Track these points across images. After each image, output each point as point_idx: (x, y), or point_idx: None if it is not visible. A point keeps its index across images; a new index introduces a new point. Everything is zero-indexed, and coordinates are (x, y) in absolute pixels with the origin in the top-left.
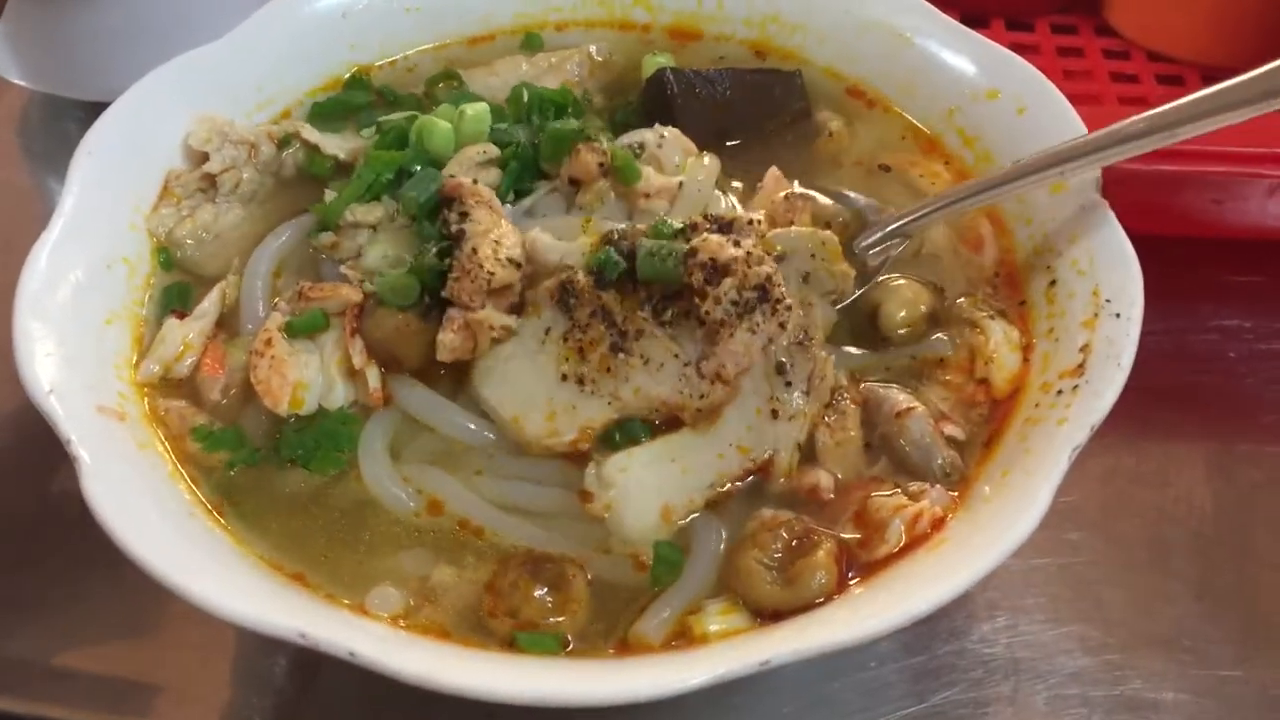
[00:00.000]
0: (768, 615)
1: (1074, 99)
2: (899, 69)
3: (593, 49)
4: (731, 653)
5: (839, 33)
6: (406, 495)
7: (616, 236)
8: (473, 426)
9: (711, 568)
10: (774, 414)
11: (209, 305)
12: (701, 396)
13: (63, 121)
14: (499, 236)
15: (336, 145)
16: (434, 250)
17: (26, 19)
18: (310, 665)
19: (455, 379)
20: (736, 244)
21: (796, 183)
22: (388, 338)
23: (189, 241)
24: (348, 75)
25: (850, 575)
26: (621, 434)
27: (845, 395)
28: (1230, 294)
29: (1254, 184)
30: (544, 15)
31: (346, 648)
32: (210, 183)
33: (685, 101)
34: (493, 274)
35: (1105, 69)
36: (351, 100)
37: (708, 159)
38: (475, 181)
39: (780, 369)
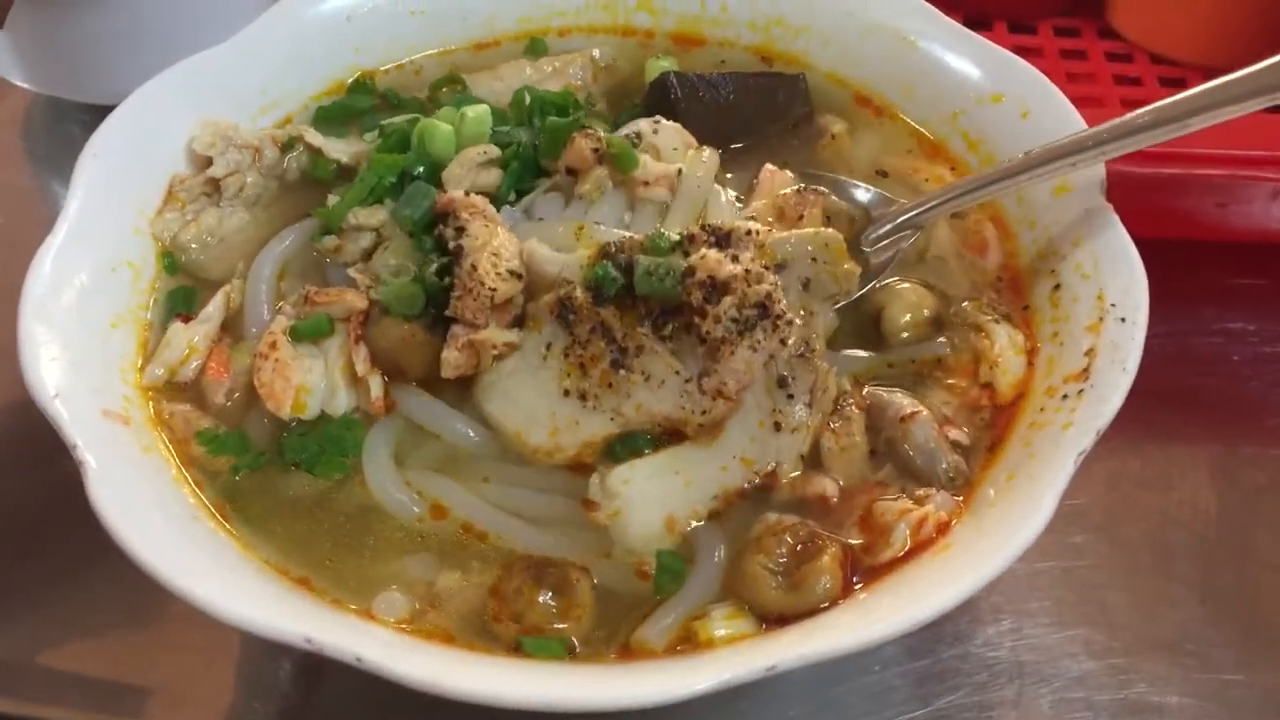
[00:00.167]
0: (773, 620)
1: (1077, 101)
2: (902, 72)
3: (596, 53)
4: (737, 658)
5: (842, 36)
6: (410, 501)
7: (614, 250)
8: (475, 435)
9: (715, 576)
10: (776, 426)
11: (213, 309)
12: (704, 412)
13: (67, 124)
14: (497, 248)
15: (340, 149)
16: (434, 267)
17: (30, 22)
18: (314, 670)
19: (459, 388)
20: (735, 259)
21: (789, 173)
22: (393, 347)
23: (193, 245)
24: (352, 79)
25: (855, 580)
26: (623, 447)
27: (850, 401)
28: (1234, 297)
29: (1258, 187)
30: (547, 20)
31: (353, 653)
32: (214, 187)
33: (688, 105)
34: (494, 290)
35: (1108, 71)
36: (355, 104)
37: (706, 153)
38: (470, 190)
39: (782, 382)
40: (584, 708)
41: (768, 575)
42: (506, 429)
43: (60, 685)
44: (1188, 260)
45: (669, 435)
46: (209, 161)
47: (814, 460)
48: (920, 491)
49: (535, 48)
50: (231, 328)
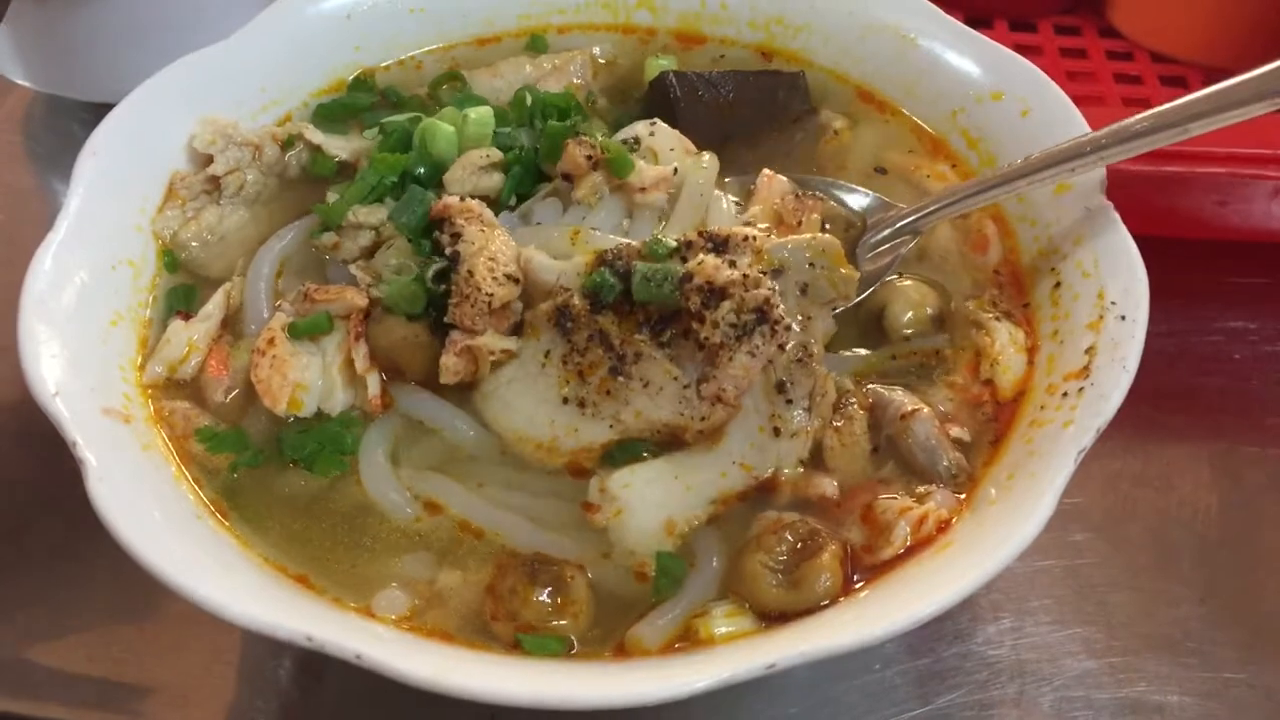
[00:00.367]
0: (773, 618)
1: (1077, 100)
2: (903, 70)
3: (596, 51)
4: (738, 655)
5: (843, 34)
6: (405, 501)
7: (611, 257)
8: (474, 433)
9: (712, 580)
10: (776, 432)
11: (213, 307)
12: (703, 418)
13: (67, 122)
14: (494, 253)
15: (339, 146)
16: (432, 272)
17: (31, 20)
18: (315, 668)
19: (458, 392)
20: (732, 264)
21: (786, 179)
22: (395, 347)
23: (194, 243)
24: (352, 77)
25: (855, 578)
26: (622, 452)
27: (853, 400)
28: (1234, 296)
29: (1258, 185)
30: (547, 17)
31: (353, 650)
32: (215, 184)
33: (688, 105)
34: (491, 295)
35: (1108, 70)
36: (355, 101)
37: (707, 157)
38: (473, 193)
39: (781, 387)
40: (584, 705)
41: (768, 573)
42: (506, 435)
43: (61, 683)
44: (1188, 259)
45: (668, 442)
46: (209, 159)
47: (815, 459)
48: (920, 489)
49: (535, 44)
50: (232, 325)
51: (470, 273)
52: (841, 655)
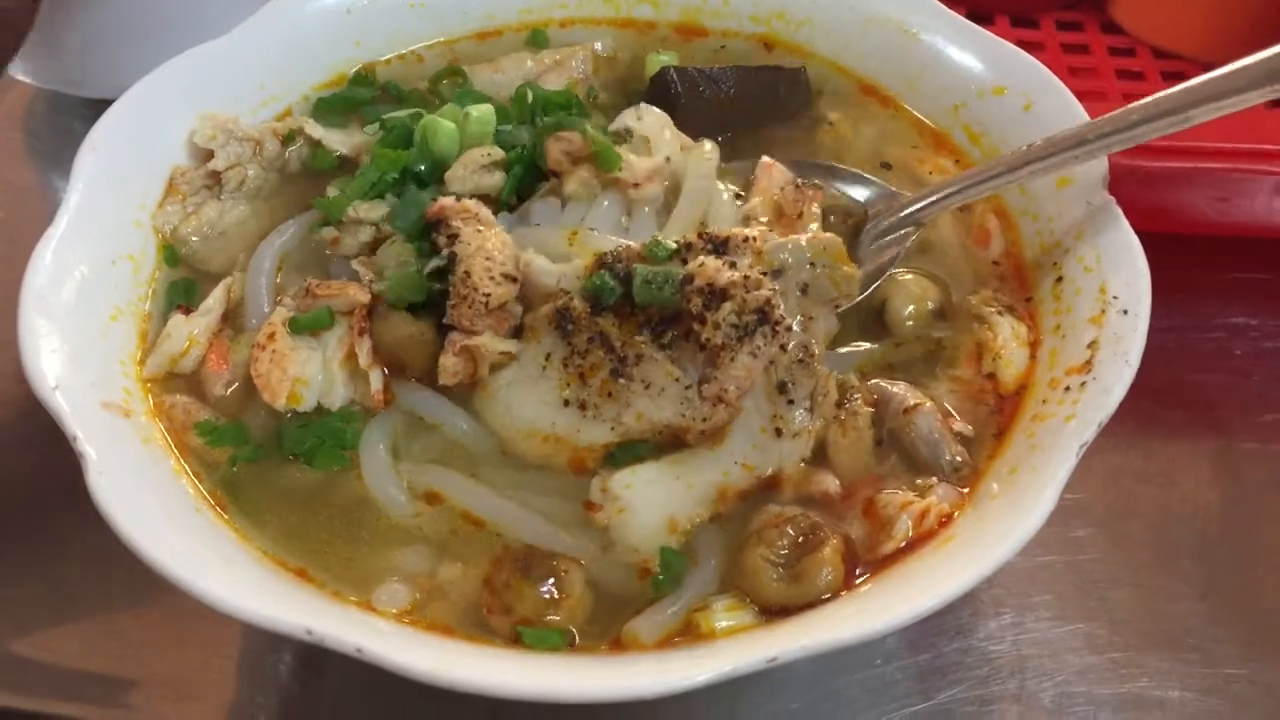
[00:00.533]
0: (774, 612)
1: (1079, 96)
2: (905, 65)
3: (597, 46)
4: (739, 649)
5: (844, 29)
6: (404, 497)
7: (611, 259)
8: (474, 430)
9: (712, 575)
10: (778, 432)
11: (214, 302)
12: (704, 419)
13: (68, 119)
14: (490, 252)
15: (339, 141)
16: (430, 268)
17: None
18: (315, 661)
19: (459, 391)
20: (733, 266)
21: (784, 168)
22: (399, 343)
23: (194, 238)
24: (352, 72)
25: (857, 572)
26: (624, 453)
27: (857, 395)
28: (1236, 291)
29: (1260, 181)
30: (548, 12)
31: (354, 644)
32: (215, 179)
33: (689, 100)
34: (489, 295)
35: (1110, 66)
36: (355, 96)
37: (708, 146)
38: (474, 192)
39: (782, 388)
40: (586, 699)
41: (769, 567)
42: (506, 437)
43: (59, 678)
44: (1189, 254)
45: (670, 443)
46: (210, 154)
47: (819, 455)
48: (922, 481)
49: (537, 39)
50: (232, 320)
51: (467, 273)
52: (843, 649)
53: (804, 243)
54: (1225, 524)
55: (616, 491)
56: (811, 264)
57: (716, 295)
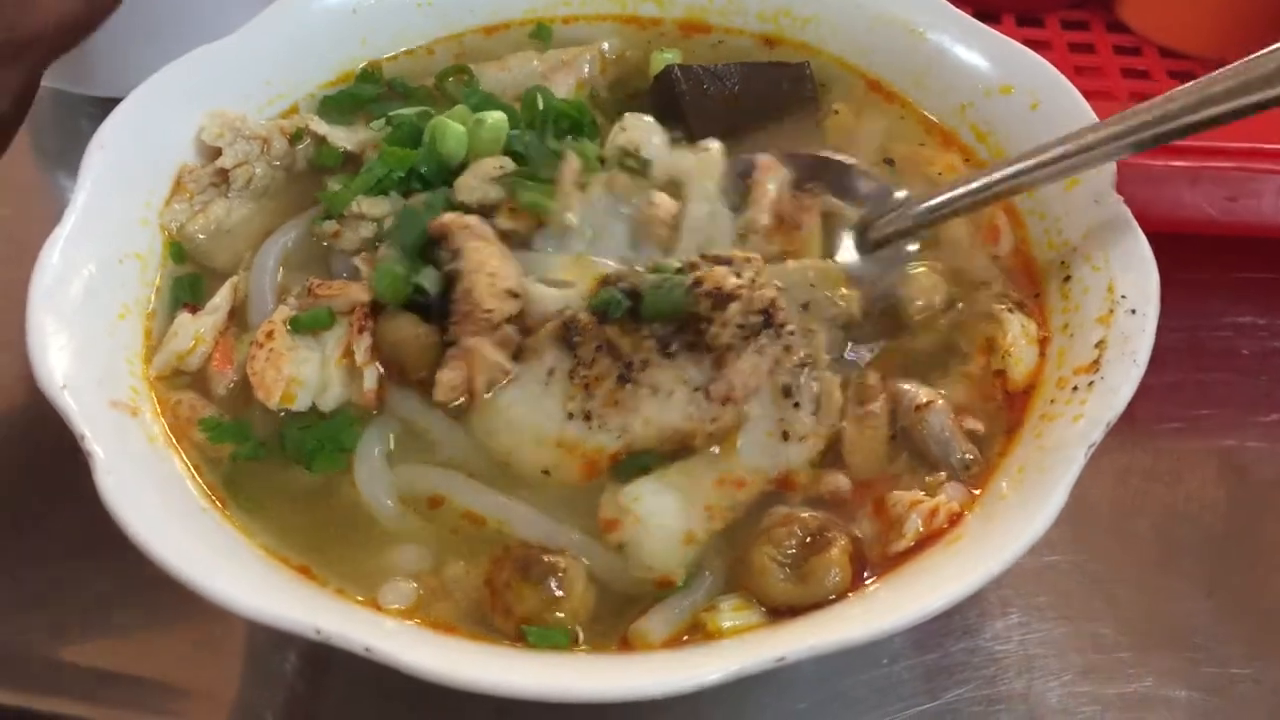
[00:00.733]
0: (781, 612)
1: (1086, 95)
2: (912, 63)
3: (605, 46)
4: (747, 649)
5: (851, 27)
6: (395, 508)
7: (616, 278)
8: (466, 445)
9: (719, 575)
10: (785, 435)
11: (220, 300)
12: (713, 419)
13: (75, 118)
14: (494, 269)
15: (344, 137)
16: (429, 279)
17: None
18: (321, 660)
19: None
20: (738, 275)
21: (783, 169)
22: (403, 343)
23: (201, 236)
24: (359, 70)
25: (865, 572)
26: (631, 462)
27: (881, 395)
28: (1243, 291)
29: (1268, 180)
30: (553, 9)
31: (362, 643)
32: (223, 178)
33: (694, 99)
34: (491, 310)
35: (1116, 65)
36: (361, 93)
37: (715, 148)
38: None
39: (787, 391)
40: (594, 698)
41: (776, 567)
42: (505, 457)
43: (62, 676)
44: (1197, 254)
45: (677, 453)
46: (217, 152)
47: (831, 455)
48: (931, 479)
49: (541, 33)
50: (238, 318)
51: (470, 290)
52: (851, 649)
53: (800, 269)
54: (1231, 523)
55: (626, 505)
56: (812, 284)
57: (724, 297)
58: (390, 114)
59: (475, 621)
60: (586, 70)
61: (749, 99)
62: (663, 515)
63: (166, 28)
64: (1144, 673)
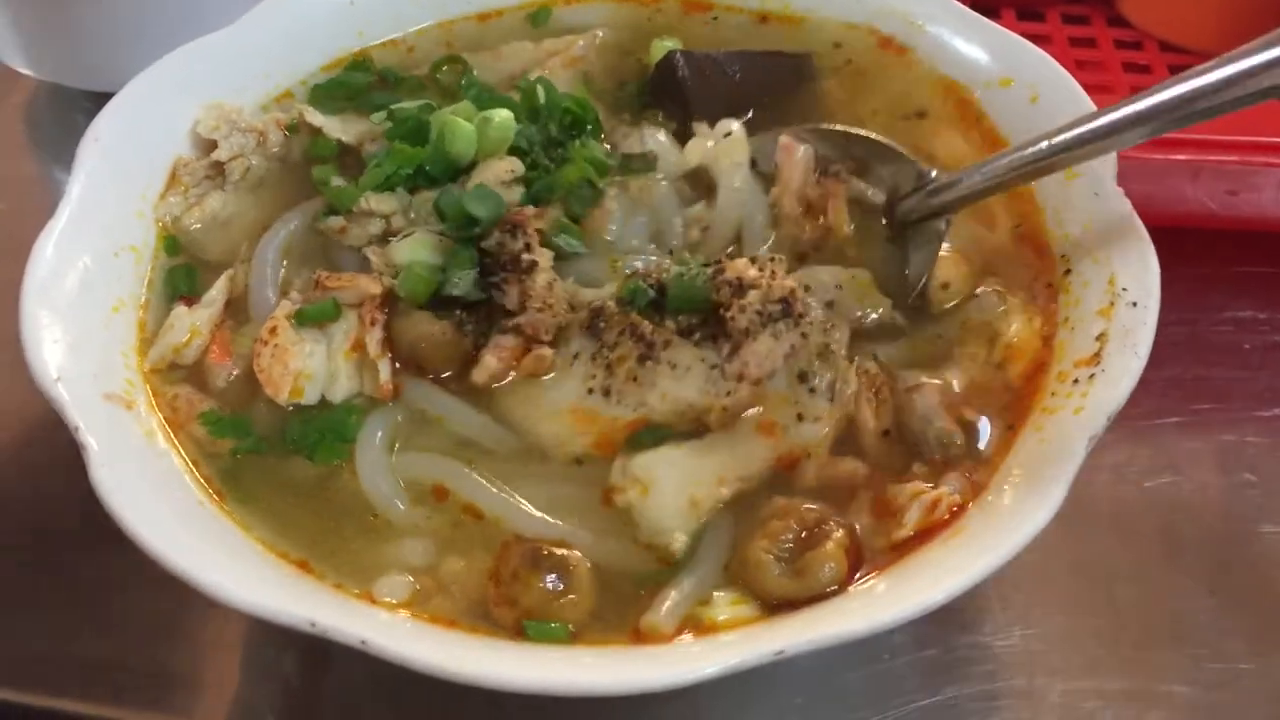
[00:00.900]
0: (778, 606)
1: (1086, 89)
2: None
3: (600, 33)
4: (745, 642)
5: (850, 21)
6: (397, 497)
7: (643, 271)
8: (483, 424)
9: (717, 567)
10: (799, 417)
11: (216, 293)
12: (728, 394)
13: (71, 112)
14: (550, 279)
15: (338, 128)
16: (475, 267)
17: (34, 8)
18: (321, 654)
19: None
20: (760, 269)
21: (806, 149)
22: (420, 340)
23: (196, 228)
24: (350, 58)
25: (864, 565)
26: (647, 435)
27: (885, 385)
28: (1245, 285)
29: (1269, 174)
30: None
31: (358, 636)
32: (218, 170)
33: (695, 85)
34: (552, 305)
35: (1117, 59)
36: (352, 81)
37: (735, 127)
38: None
39: (803, 377)
40: (592, 692)
41: (771, 562)
42: (526, 429)
43: (60, 672)
44: (1197, 247)
45: (692, 431)
46: (212, 145)
47: (840, 445)
48: (917, 466)
49: (539, 17)
50: (234, 311)
51: (550, 285)
52: (851, 642)
53: (832, 272)
54: (1233, 518)
55: (637, 473)
56: (839, 286)
57: (745, 287)
58: (392, 107)
59: (475, 616)
60: (584, 60)
61: (750, 86)
62: (671, 482)
63: (162, 21)
64: (1145, 668)
